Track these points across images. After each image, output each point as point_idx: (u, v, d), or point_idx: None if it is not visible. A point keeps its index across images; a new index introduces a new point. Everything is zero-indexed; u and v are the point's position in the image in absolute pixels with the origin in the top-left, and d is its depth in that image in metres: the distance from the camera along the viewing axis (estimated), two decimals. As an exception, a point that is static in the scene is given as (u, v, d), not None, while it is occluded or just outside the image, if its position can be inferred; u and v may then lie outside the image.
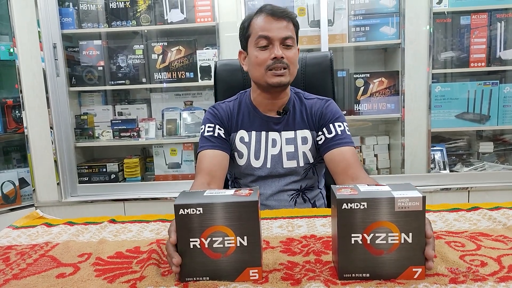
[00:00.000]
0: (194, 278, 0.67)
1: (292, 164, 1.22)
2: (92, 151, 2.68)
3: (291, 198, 1.25)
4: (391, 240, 0.64)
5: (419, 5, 2.19)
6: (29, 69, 2.24)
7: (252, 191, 0.70)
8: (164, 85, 2.43)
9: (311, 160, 1.23)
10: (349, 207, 0.64)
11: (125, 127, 2.45)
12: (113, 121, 2.47)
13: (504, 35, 2.25)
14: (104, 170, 2.45)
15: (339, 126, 1.19)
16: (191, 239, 0.66)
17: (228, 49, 2.28)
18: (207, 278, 0.67)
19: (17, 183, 2.38)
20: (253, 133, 1.23)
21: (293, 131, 1.23)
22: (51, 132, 2.29)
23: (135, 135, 2.44)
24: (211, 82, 2.32)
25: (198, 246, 0.66)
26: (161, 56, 2.38)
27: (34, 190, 2.35)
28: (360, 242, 0.65)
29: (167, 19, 2.34)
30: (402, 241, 0.64)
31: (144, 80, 2.42)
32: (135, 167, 2.48)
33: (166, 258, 0.72)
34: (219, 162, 1.16)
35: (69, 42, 2.45)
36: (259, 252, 0.67)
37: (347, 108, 2.36)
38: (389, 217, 0.64)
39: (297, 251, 0.78)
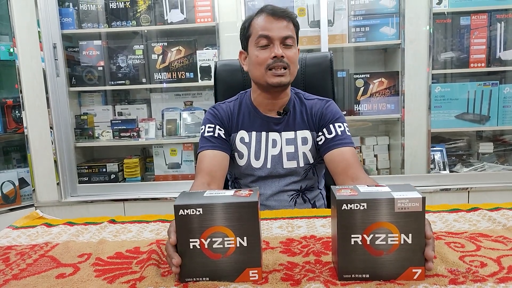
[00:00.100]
0: (194, 279, 0.67)
1: (292, 164, 1.22)
2: (92, 151, 2.68)
3: (291, 199, 1.25)
4: (391, 240, 0.64)
5: (419, 5, 2.19)
6: (29, 69, 2.24)
7: (252, 192, 0.70)
8: (164, 85, 2.43)
9: (311, 161, 1.23)
10: (349, 208, 0.64)
11: (125, 127, 2.45)
12: (113, 121, 2.47)
13: (504, 35, 2.25)
14: (104, 170, 2.45)
15: (339, 126, 1.19)
16: (191, 240, 0.66)
17: (228, 49, 2.28)
18: (207, 279, 0.67)
19: (17, 183, 2.38)
20: (254, 133, 1.23)
21: (293, 132, 1.23)
22: (51, 132, 2.29)
23: (135, 135, 2.44)
24: (211, 82, 2.32)
25: (198, 247, 0.66)
26: (161, 56, 2.38)
27: (34, 190, 2.35)
28: (360, 243, 0.65)
29: (167, 19, 2.34)
30: (402, 242, 0.64)
31: (144, 80, 2.42)
32: (135, 167, 2.48)
33: (166, 259, 0.72)
34: (219, 163, 1.16)
35: (69, 42, 2.45)
36: (259, 252, 0.67)
37: (347, 108, 2.36)
38: (389, 217, 0.64)
39: (297, 252, 0.78)
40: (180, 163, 2.45)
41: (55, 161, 2.31)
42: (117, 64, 2.42)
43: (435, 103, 2.27)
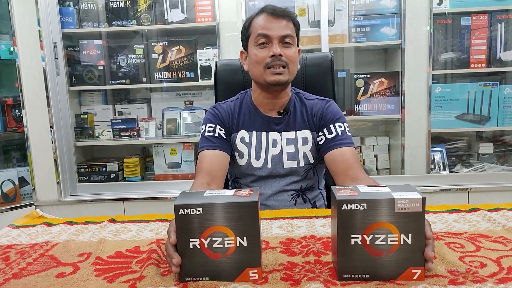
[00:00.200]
0: (194, 278, 0.67)
1: (292, 164, 1.22)
2: (92, 151, 2.68)
3: (291, 198, 1.25)
4: (391, 241, 0.64)
5: (419, 6, 2.19)
6: (29, 68, 2.24)
7: (252, 192, 0.70)
8: (164, 84, 2.43)
9: (312, 161, 1.23)
10: (349, 208, 0.64)
11: (125, 127, 2.45)
12: (113, 121, 2.47)
13: (504, 36, 2.25)
14: (104, 169, 2.45)
15: (340, 126, 1.19)
16: (191, 239, 0.66)
17: (229, 49, 2.28)
18: (207, 278, 0.67)
19: (17, 182, 2.38)
20: (254, 133, 1.23)
21: (294, 132, 1.23)
22: (51, 131, 2.29)
23: (135, 134, 2.45)
24: (211, 82, 2.32)
25: (198, 246, 0.66)
26: (161, 56, 2.38)
27: (34, 189, 2.35)
28: (360, 243, 0.65)
29: (167, 18, 2.34)
30: (402, 242, 0.64)
31: (144, 79, 2.42)
32: (135, 166, 2.48)
33: (166, 258, 0.72)
34: (219, 162, 1.17)
35: (70, 41, 2.45)
36: (259, 252, 0.67)
37: (347, 108, 2.36)
38: (388, 218, 0.64)
39: (296, 252, 0.78)
40: (180, 162, 2.45)
41: (55, 160, 2.31)
42: (118, 64, 2.42)
43: (435, 104, 2.27)
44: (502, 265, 0.69)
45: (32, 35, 2.21)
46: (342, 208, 0.64)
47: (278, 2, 2.16)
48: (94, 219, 1.03)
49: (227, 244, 0.66)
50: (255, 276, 0.67)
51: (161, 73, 2.39)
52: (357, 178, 1.07)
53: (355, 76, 2.33)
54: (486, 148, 2.42)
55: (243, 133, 1.23)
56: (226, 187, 1.36)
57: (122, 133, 2.45)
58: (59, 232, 0.95)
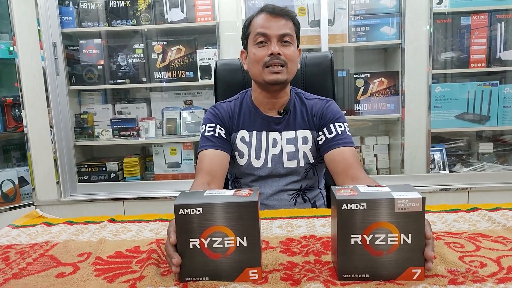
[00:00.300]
0: (194, 278, 0.67)
1: (292, 164, 1.22)
2: (92, 150, 2.68)
3: (291, 198, 1.25)
4: (391, 241, 0.64)
5: (419, 5, 2.19)
6: (29, 68, 2.24)
7: (252, 192, 0.70)
8: (164, 84, 2.42)
9: (312, 160, 1.23)
10: (349, 208, 0.64)
11: (125, 126, 2.45)
12: (113, 120, 2.47)
13: (504, 35, 2.25)
14: (104, 169, 2.45)
15: (340, 126, 1.19)
16: (190, 239, 0.66)
17: (228, 49, 2.28)
18: (207, 278, 0.67)
19: (16, 182, 2.38)
20: (254, 133, 1.23)
21: (294, 131, 1.23)
22: (50, 131, 2.29)
23: (134, 134, 2.44)
24: (211, 81, 2.32)
25: (198, 246, 0.66)
26: (161, 55, 2.38)
27: (33, 189, 2.35)
28: (360, 243, 0.65)
29: (167, 18, 2.33)
30: (402, 242, 0.64)
31: (144, 79, 2.42)
32: (134, 166, 2.48)
33: (166, 258, 0.72)
34: (219, 162, 1.16)
35: (69, 41, 2.45)
36: (259, 252, 0.67)
37: (347, 108, 2.36)
38: (388, 218, 0.64)
39: (296, 252, 0.78)
40: (180, 162, 2.45)
41: (55, 160, 2.31)
42: (117, 63, 2.42)
43: (435, 103, 2.27)
44: (502, 264, 0.69)
45: (32, 35, 2.21)
46: (342, 208, 0.64)
47: (278, 2, 2.15)
48: (94, 219, 1.03)
49: (227, 244, 0.66)
50: (255, 276, 0.67)
51: (160, 73, 2.39)
52: (357, 177, 1.07)
53: (355, 76, 2.33)
54: (486, 147, 2.42)
55: (243, 133, 1.23)
56: (226, 187, 1.36)
57: (121, 133, 2.45)
58: (59, 232, 0.95)
